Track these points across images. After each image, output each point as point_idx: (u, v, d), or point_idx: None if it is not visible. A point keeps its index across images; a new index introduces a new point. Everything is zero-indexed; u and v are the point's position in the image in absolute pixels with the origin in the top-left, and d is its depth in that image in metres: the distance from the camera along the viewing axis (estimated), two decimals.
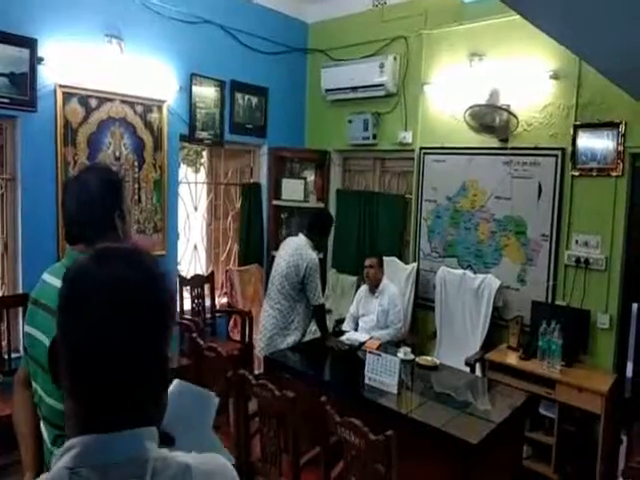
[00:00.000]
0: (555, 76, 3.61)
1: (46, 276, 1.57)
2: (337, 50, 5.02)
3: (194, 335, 2.94)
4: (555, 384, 3.24)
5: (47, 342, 1.41)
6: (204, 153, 5.25)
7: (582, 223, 3.55)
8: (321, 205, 5.17)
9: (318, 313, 3.54)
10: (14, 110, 3.49)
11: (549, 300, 3.68)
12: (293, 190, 5.18)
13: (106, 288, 0.71)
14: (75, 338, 0.72)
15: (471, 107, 3.69)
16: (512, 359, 3.53)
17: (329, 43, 5.11)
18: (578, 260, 3.53)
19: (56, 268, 1.65)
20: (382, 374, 2.81)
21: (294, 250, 3.52)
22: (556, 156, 3.62)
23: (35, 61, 3.52)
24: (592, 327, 3.47)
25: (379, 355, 2.88)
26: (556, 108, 3.63)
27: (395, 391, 2.76)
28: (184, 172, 4.94)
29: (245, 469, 2.49)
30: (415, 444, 2.44)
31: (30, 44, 3.49)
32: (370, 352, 2.94)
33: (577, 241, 3.56)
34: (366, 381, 2.88)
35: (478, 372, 3.57)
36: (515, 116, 3.66)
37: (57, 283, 1.52)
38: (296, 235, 3.69)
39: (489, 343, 3.81)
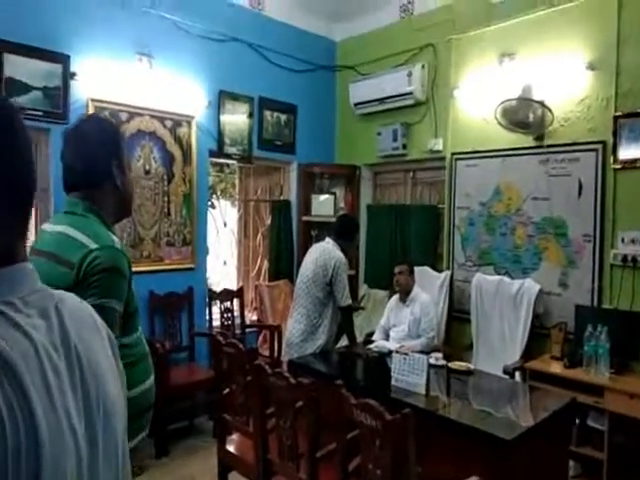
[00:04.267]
0: (591, 67, 3.44)
1: (44, 226, 1.55)
2: (366, 65, 5.02)
3: (215, 334, 2.82)
4: (604, 391, 2.94)
5: None
6: (235, 180, 5.25)
7: (628, 219, 3.30)
8: None
9: (346, 315, 3.38)
10: (47, 123, 3.57)
11: (594, 304, 3.41)
12: (323, 206, 5.12)
13: None
14: None
15: (502, 103, 3.55)
16: (555, 368, 3.25)
17: (358, 59, 5.12)
18: (625, 259, 3.26)
19: (54, 217, 1.64)
20: (409, 374, 2.61)
21: (321, 252, 3.45)
22: (596, 150, 3.42)
23: (68, 76, 3.63)
24: None
25: (406, 355, 2.69)
26: (594, 100, 3.45)
27: (423, 391, 2.55)
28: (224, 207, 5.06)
29: (263, 467, 2.32)
30: (445, 444, 2.23)
31: (63, 60, 3.60)
32: (397, 352, 2.75)
33: (623, 239, 3.30)
34: (393, 382, 2.68)
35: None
36: (550, 110, 3.49)
37: (51, 228, 1.48)
38: (323, 240, 3.61)
39: (529, 353, 3.54)
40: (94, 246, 1.35)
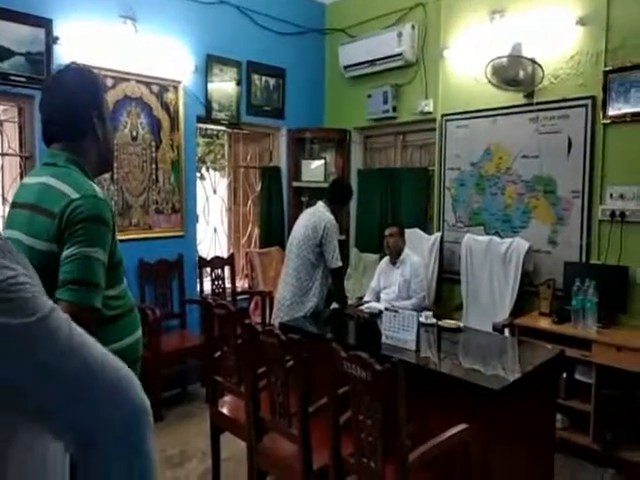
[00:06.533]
0: (582, 22, 3.39)
1: (25, 180, 1.54)
2: (355, 27, 4.92)
3: (205, 296, 2.83)
4: (591, 345, 2.99)
5: (22, 238, 1.36)
6: (225, 150, 5.18)
7: (616, 174, 3.30)
8: None
9: (336, 276, 3.39)
10: (30, 89, 3.50)
11: (583, 260, 3.44)
12: (313, 171, 5.09)
13: None
14: None
15: (492, 60, 3.51)
16: (544, 323, 3.29)
17: (347, 21, 5.02)
18: (613, 214, 3.28)
19: (34, 170, 1.63)
20: (399, 330, 2.64)
21: (312, 215, 3.46)
22: (586, 106, 3.40)
23: (51, 41, 3.55)
24: (631, 285, 3.19)
25: (396, 312, 2.71)
26: (584, 56, 3.41)
27: (413, 347, 2.58)
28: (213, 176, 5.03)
29: (255, 425, 2.36)
30: (434, 399, 2.27)
31: (45, 24, 3.52)
32: (387, 309, 2.78)
33: (612, 194, 3.31)
34: (383, 339, 2.71)
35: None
36: (540, 67, 3.45)
37: (32, 180, 1.47)
38: (314, 205, 3.60)
39: (519, 311, 3.58)
40: (76, 195, 1.33)
